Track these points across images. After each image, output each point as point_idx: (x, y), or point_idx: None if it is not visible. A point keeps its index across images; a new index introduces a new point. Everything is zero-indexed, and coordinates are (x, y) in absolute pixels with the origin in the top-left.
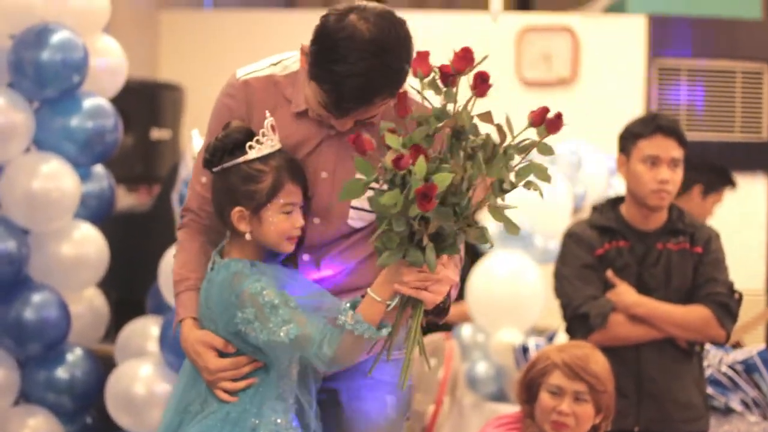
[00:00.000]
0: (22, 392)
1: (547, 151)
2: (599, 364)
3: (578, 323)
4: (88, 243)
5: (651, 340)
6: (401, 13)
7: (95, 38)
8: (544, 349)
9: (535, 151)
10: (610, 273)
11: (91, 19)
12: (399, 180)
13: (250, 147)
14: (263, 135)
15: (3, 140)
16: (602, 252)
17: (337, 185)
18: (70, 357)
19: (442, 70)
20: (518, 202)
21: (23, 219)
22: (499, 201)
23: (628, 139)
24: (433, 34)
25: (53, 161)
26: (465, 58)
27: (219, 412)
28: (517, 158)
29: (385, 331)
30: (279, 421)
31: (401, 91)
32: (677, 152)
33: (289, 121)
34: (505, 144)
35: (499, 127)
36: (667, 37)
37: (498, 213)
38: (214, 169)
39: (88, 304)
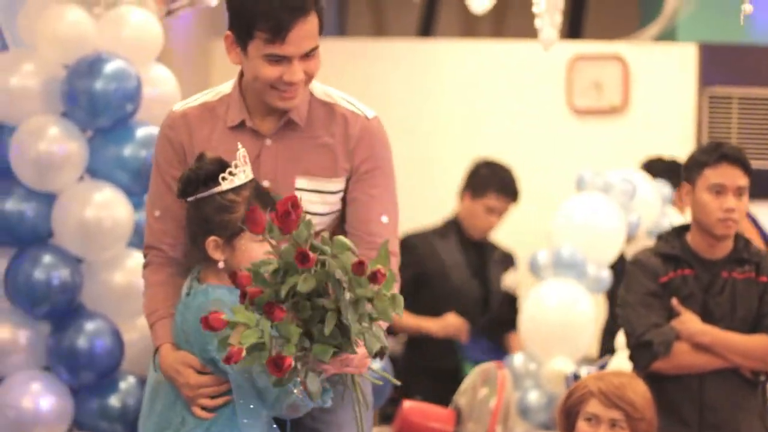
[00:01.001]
0: (75, 420)
1: (392, 278)
2: (637, 392)
3: (642, 351)
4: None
5: (715, 370)
6: (452, 43)
7: (148, 68)
8: (584, 378)
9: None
10: (674, 301)
11: (145, 49)
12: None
13: (223, 179)
14: (236, 166)
15: (57, 169)
16: (667, 280)
17: (279, 192)
18: (123, 385)
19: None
20: (572, 229)
21: (76, 247)
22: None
23: (693, 167)
24: (483, 63)
25: (106, 190)
26: (288, 223)
27: (198, 430)
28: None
29: (327, 398)
30: None
31: (252, 208)
32: (743, 180)
33: (227, 137)
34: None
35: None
36: (717, 65)
37: (372, 338)
38: (189, 199)
39: (141, 332)
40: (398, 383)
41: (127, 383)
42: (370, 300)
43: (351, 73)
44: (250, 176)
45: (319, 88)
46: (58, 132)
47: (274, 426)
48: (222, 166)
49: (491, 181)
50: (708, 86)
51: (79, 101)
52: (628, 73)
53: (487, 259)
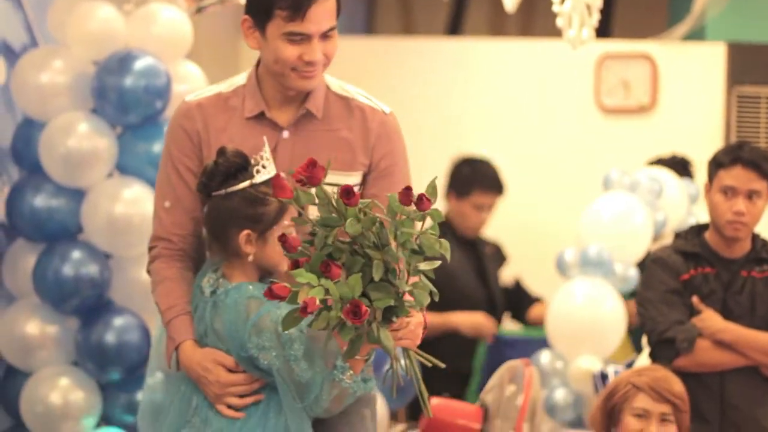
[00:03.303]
0: (103, 415)
1: (437, 216)
2: (679, 384)
3: (664, 348)
4: None
5: (735, 367)
6: (480, 41)
7: (177, 64)
8: (622, 374)
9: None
10: (696, 299)
11: (174, 46)
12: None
13: (257, 171)
14: (261, 158)
15: (86, 165)
16: (688, 277)
17: (294, 184)
18: (149, 381)
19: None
20: (600, 228)
21: (105, 243)
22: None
23: (712, 167)
24: (511, 62)
25: (136, 186)
26: (313, 174)
27: (228, 430)
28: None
29: (371, 385)
30: None
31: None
32: (757, 184)
33: (243, 128)
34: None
35: (388, 207)
36: (746, 64)
37: (421, 277)
38: (216, 193)
39: None
40: (443, 366)
41: (153, 378)
42: (417, 238)
43: (379, 72)
44: (275, 170)
45: (335, 82)
46: (88, 128)
47: None
48: (245, 159)
49: (474, 179)
50: (736, 85)
51: (109, 98)
52: (656, 73)
53: (482, 257)
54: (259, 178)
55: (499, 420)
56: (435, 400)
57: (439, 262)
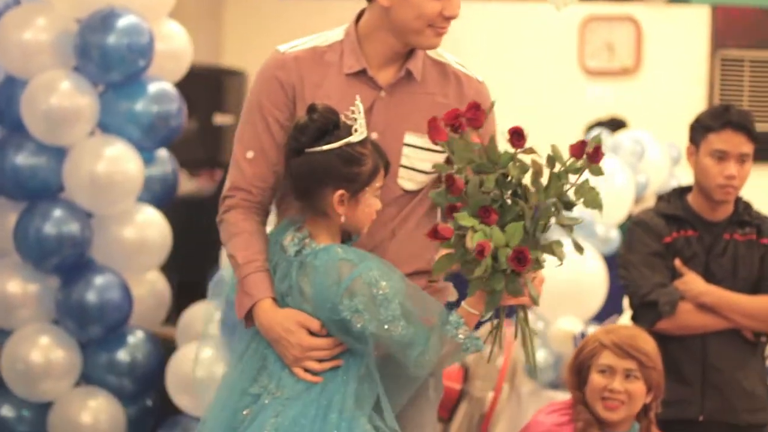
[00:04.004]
0: (83, 374)
1: (597, 172)
2: (648, 342)
3: (646, 311)
4: (151, 226)
5: (717, 330)
6: (464, 4)
7: (160, 23)
8: (592, 333)
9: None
10: (678, 262)
11: (157, 5)
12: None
13: (355, 130)
14: (354, 118)
15: (68, 123)
16: (670, 240)
17: (386, 145)
18: (131, 339)
19: (453, 123)
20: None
21: (87, 202)
22: (565, 216)
23: (698, 130)
24: (495, 24)
25: (117, 144)
26: (476, 117)
27: (305, 398)
28: (572, 178)
29: (481, 343)
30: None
31: (431, 118)
32: (747, 147)
33: (341, 84)
34: (557, 169)
35: (549, 157)
36: (730, 28)
37: (566, 229)
38: (308, 150)
39: (150, 287)
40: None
41: (135, 338)
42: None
43: None
44: (366, 131)
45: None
46: (70, 86)
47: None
48: (338, 116)
49: None
50: (720, 48)
51: (91, 56)
52: (640, 35)
53: None
54: (355, 137)
55: (480, 380)
56: None
57: (582, 219)
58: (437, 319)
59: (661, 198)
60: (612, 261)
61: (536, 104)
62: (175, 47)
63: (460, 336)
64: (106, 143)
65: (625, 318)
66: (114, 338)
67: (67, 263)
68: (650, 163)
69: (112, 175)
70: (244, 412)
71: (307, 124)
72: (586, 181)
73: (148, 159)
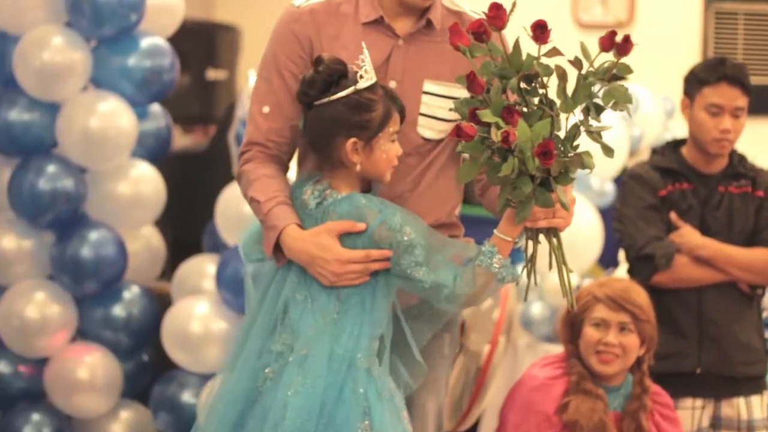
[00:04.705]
0: (79, 329)
1: (625, 70)
2: (640, 295)
3: (642, 264)
4: (145, 181)
5: (713, 283)
6: None
7: None
8: (585, 286)
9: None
10: (674, 215)
11: None
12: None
13: (361, 77)
14: (361, 66)
15: (60, 79)
16: (665, 193)
17: (405, 93)
18: (126, 295)
19: (478, 31)
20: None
21: (80, 157)
22: (593, 123)
23: (693, 83)
24: None
25: (110, 100)
26: (498, 15)
27: (316, 354)
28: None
29: (517, 272)
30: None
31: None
32: (741, 101)
33: (358, 34)
34: (584, 71)
35: (573, 61)
36: None
37: (594, 136)
38: (317, 102)
39: (145, 242)
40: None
41: (130, 293)
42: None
43: None
44: (374, 77)
45: None
46: (62, 42)
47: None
48: (345, 66)
49: None
50: (714, 1)
51: (83, 10)
52: None
53: None
54: (362, 84)
55: (476, 333)
56: None
57: (611, 126)
58: (469, 253)
59: (655, 151)
60: (607, 214)
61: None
62: (168, 2)
63: (495, 265)
64: (99, 98)
65: (622, 271)
66: (109, 293)
67: (62, 219)
68: (644, 116)
69: (106, 131)
70: (267, 371)
71: (313, 77)
72: (616, 78)
73: (142, 114)
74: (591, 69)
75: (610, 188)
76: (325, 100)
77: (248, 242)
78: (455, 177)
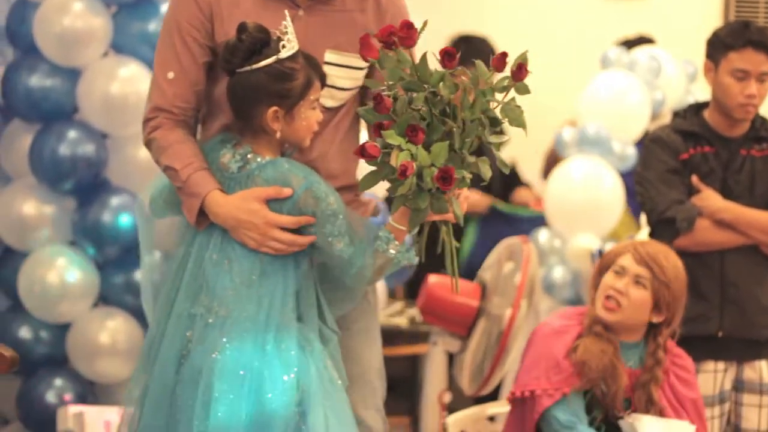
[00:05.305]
0: (100, 295)
1: (523, 90)
2: (669, 260)
3: (664, 227)
4: None
5: (735, 246)
6: None
7: None
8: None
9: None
10: (695, 178)
11: None
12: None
13: (283, 46)
14: (283, 34)
15: (81, 45)
16: (687, 157)
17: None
18: (146, 260)
19: (387, 40)
20: (598, 107)
21: (101, 123)
22: (492, 135)
23: (717, 48)
24: None
25: (131, 65)
26: (409, 35)
27: (237, 316)
28: (498, 96)
29: (413, 255)
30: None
31: (364, 35)
32: (767, 66)
33: (257, 4)
34: (482, 88)
35: (473, 74)
36: None
37: (495, 147)
38: (241, 69)
39: None
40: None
41: (151, 257)
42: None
43: None
44: (297, 46)
45: None
46: (83, 7)
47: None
48: (268, 34)
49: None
50: None
51: None
52: None
53: None
54: (284, 53)
55: (497, 297)
56: (433, 278)
57: (508, 137)
58: (368, 235)
59: (677, 114)
60: (628, 178)
61: (551, 21)
62: None
63: (391, 251)
64: (119, 64)
65: (643, 234)
66: (131, 259)
67: (83, 184)
68: (666, 79)
69: (126, 96)
70: (188, 334)
71: (236, 45)
72: (513, 99)
73: None
74: (487, 87)
75: (631, 152)
76: (248, 68)
77: (157, 201)
78: (357, 139)
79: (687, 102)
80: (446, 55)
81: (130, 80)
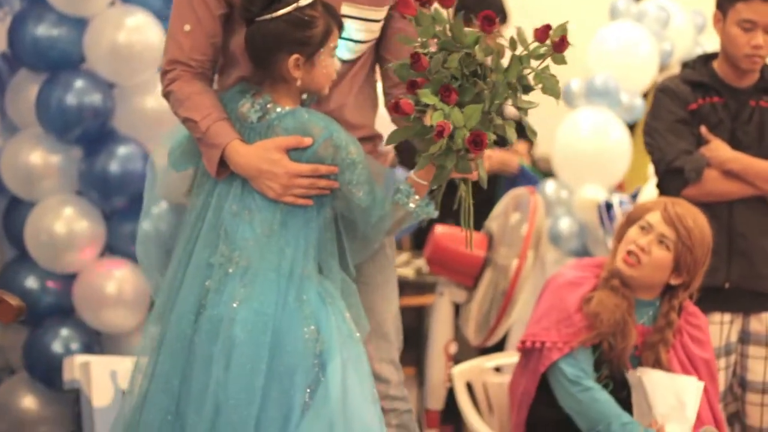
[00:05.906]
0: (107, 245)
1: (560, 60)
2: (698, 224)
3: (672, 177)
4: None
5: (743, 197)
6: None
7: None
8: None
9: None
10: (704, 129)
11: None
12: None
13: None
14: None
15: None
16: (696, 107)
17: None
18: (154, 210)
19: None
20: (606, 57)
21: (108, 72)
22: (522, 99)
23: None
24: None
25: (138, 14)
26: None
27: (259, 267)
28: (533, 63)
29: (431, 209)
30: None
31: None
32: None
33: None
34: (519, 53)
35: (512, 39)
36: None
37: (521, 112)
38: (260, 18)
39: None
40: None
41: (158, 208)
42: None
43: None
44: None
45: None
46: None
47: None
48: None
49: (477, 7)
50: None
51: None
52: None
53: None
54: (303, 1)
55: (504, 247)
56: (440, 228)
57: (537, 102)
58: (387, 185)
59: (686, 65)
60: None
61: None
62: None
63: (411, 205)
64: (126, 13)
65: (651, 186)
66: (137, 208)
67: (90, 134)
68: (675, 30)
69: (133, 45)
70: (207, 284)
71: None
72: (547, 67)
73: None
74: (525, 53)
75: (639, 103)
76: (267, 16)
77: (175, 153)
78: (374, 91)
79: (696, 53)
80: (486, 20)
81: (137, 29)
